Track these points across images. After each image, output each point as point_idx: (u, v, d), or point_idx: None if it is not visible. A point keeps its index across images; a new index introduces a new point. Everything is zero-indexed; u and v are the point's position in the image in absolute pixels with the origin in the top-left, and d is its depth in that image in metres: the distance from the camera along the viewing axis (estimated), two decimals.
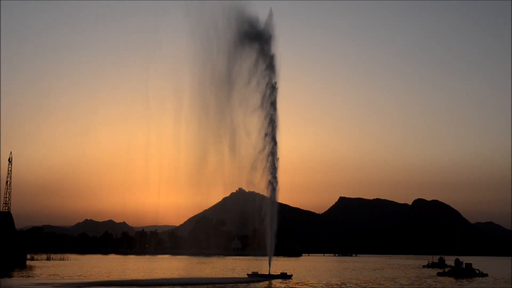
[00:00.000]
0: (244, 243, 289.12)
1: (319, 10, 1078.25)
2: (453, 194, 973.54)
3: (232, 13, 74.05)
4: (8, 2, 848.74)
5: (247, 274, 78.00)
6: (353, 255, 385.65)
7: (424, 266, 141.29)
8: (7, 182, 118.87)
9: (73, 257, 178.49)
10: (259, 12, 75.01)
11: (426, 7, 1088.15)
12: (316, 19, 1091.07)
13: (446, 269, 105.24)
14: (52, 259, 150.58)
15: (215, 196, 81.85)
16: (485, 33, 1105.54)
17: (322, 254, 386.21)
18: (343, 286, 64.34)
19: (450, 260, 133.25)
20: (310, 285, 64.68)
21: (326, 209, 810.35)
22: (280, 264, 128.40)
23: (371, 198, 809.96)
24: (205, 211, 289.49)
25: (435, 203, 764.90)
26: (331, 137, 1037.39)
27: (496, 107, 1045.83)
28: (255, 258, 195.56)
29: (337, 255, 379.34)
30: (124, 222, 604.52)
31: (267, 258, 76.55)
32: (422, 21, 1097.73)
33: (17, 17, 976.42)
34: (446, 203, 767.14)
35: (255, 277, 73.76)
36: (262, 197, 76.21)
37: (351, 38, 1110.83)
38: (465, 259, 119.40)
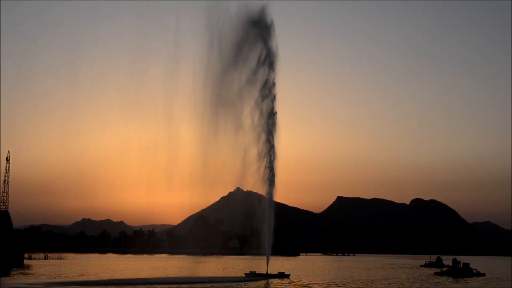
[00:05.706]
0: (242, 242, 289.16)
1: (317, 10, 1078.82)
2: (451, 194, 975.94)
3: (229, 11, 74.12)
4: (8, 2, 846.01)
5: (245, 274, 77.98)
6: (351, 254, 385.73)
7: (422, 266, 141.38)
8: (5, 181, 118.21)
9: (70, 256, 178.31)
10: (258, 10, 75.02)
11: (424, 7, 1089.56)
12: (313, 19, 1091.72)
13: (444, 269, 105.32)
14: (50, 258, 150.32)
15: (213, 195, 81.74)
16: (485, 31, 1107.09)
17: (321, 254, 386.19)
18: (341, 285, 64.33)
19: (447, 260, 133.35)
20: (308, 284, 64.67)
21: (324, 208, 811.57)
22: (278, 264, 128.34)
23: (369, 197, 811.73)
24: (203, 210, 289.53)
25: (433, 203, 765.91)
26: (329, 137, 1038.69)
27: (494, 107, 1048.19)
28: (253, 257, 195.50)
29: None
30: (121, 221, 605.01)
31: (265, 257, 76.54)
32: (420, 21, 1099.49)
33: (17, 17, 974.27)
34: (444, 202, 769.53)
35: (253, 276, 73.77)
36: (260, 196, 76.21)
37: (348, 38, 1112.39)
38: (462, 259, 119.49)
